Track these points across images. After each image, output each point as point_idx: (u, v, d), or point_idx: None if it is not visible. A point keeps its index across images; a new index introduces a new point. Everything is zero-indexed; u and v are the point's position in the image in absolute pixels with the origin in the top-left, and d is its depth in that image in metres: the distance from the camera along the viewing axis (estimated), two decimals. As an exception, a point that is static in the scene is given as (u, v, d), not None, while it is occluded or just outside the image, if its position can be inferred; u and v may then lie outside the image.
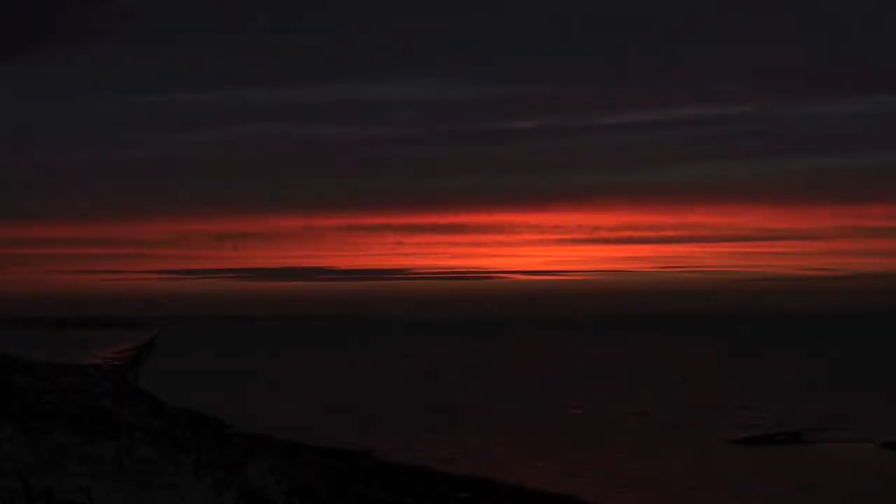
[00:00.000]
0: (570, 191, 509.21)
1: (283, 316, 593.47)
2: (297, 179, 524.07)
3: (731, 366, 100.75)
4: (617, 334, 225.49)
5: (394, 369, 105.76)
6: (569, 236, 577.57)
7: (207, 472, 29.07)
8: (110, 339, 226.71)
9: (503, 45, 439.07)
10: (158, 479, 26.85)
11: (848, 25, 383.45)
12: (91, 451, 30.63)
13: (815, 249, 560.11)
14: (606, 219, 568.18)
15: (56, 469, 26.90)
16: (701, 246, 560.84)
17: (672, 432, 48.51)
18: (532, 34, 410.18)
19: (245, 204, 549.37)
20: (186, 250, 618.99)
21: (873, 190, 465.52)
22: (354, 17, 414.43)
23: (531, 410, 60.10)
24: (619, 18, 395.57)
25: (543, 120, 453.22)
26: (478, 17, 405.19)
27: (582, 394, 70.53)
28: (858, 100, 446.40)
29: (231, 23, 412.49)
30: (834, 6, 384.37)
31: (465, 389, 76.21)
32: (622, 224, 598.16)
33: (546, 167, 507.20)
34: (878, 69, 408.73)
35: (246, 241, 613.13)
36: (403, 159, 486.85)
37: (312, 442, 46.38)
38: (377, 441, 46.54)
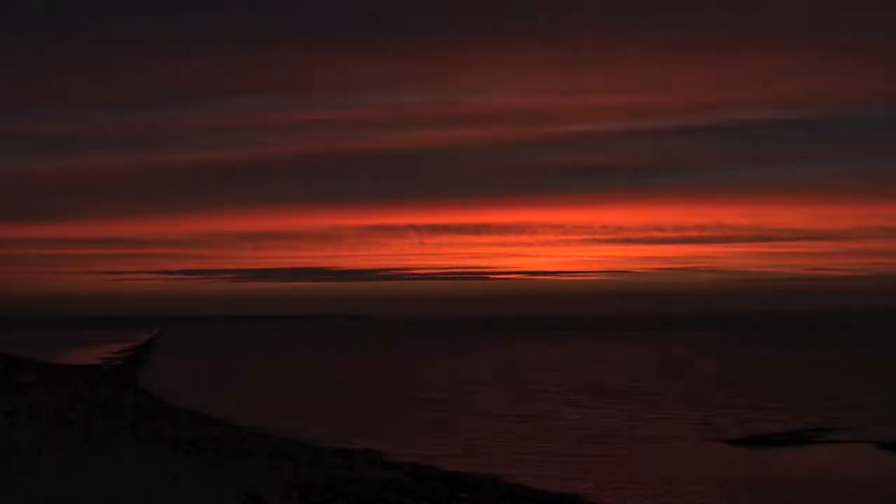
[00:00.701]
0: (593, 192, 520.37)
1: (307, 315, 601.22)
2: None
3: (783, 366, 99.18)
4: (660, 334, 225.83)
5: (414, 370, 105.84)
6: (592, 236, 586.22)
7: (207, 471, 29.08)
8: (111, 340, 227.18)
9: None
10: (158, 479, 26.88)
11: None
12: (90, 453, 30.70)
13: (842, 249, 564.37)
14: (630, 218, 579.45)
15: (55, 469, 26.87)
16: (725, 246, 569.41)
17: (673, 433, 48.52)
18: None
19: (272, 203, 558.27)
20: (210, 250, 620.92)
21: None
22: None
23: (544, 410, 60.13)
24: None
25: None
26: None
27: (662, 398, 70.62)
28: None
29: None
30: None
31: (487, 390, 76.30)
32: (646, 224, 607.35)
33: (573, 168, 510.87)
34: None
35: (271, 240, 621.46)
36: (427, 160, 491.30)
37: (312, 441, 46.40)
38: (377, 441, 46.55)
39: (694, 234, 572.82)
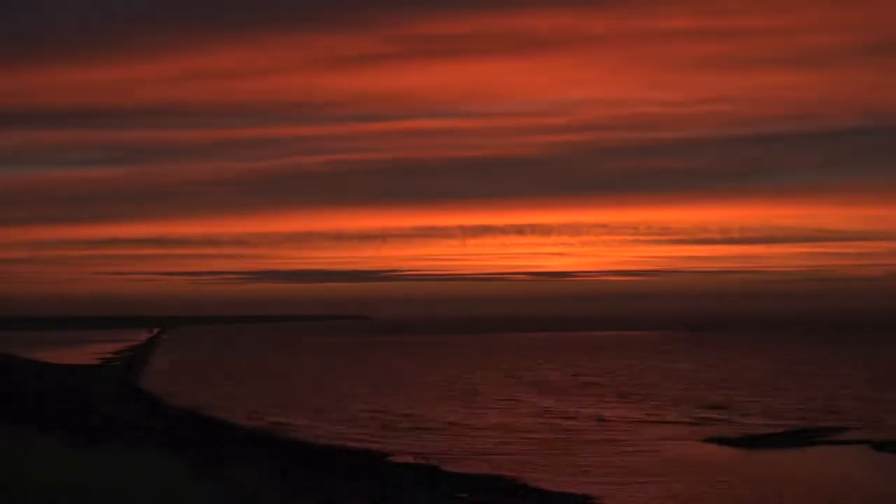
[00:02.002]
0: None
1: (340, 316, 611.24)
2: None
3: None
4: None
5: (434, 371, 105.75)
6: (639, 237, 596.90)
7: (206, 471, 29.09)
8: (111, 340, 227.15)
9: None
10: (157, 479, 26.87)
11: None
12: (89, 454, 30.62)
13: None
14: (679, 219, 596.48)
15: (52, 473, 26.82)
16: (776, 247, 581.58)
17: (671, 432, 48.58)
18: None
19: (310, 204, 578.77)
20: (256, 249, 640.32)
21: None
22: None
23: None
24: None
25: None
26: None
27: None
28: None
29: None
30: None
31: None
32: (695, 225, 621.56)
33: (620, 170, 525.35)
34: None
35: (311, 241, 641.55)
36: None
37: (313, 441, 46.45)
38: (378, 440, 46.61)
39: (744, 234, 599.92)
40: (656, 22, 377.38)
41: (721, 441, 44.86)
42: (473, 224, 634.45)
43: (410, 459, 40.21)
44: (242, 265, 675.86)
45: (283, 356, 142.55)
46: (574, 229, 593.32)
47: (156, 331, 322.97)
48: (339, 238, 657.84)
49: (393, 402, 65.63)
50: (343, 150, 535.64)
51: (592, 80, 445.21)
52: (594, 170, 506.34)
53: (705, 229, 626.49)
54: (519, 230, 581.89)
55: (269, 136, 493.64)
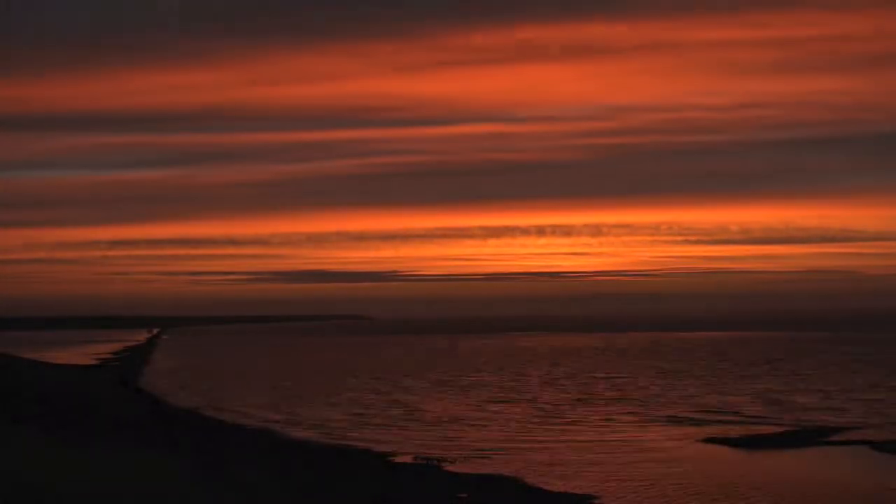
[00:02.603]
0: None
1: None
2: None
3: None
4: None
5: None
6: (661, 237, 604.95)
7: (207, 471, 29.12)
8: (112, 340, 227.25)
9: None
10: (158, 480, 26.91)
11: None
12: (89, 454, 30.67)
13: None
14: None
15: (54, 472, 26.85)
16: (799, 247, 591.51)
17: (665, 431, 48.60)
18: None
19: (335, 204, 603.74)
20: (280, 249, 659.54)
21: None
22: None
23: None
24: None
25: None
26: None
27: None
28: None
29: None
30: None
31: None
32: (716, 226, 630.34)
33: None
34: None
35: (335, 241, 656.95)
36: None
37: (313, 440, 46.47)
38: (380, 440, 46.63)
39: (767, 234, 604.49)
40: (702, 32, 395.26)
41: (720, 441, 44.86)
42: (496, 225, 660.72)
43: (411, 459, 40.23)
44: (268, 265, 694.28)
45: (284, 357, 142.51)
46: (595, 230, 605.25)
47: (155, 331, 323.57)
48: (360, 238, 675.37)
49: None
50: (385, 153, 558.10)
51: (639, 86, 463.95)
52: (627, 172, 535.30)
53: (735, 229, 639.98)
54: (540, 230, 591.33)
55: (317, 139, 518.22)
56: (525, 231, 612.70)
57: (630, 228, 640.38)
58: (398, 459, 40.19)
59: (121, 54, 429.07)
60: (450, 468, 37.66)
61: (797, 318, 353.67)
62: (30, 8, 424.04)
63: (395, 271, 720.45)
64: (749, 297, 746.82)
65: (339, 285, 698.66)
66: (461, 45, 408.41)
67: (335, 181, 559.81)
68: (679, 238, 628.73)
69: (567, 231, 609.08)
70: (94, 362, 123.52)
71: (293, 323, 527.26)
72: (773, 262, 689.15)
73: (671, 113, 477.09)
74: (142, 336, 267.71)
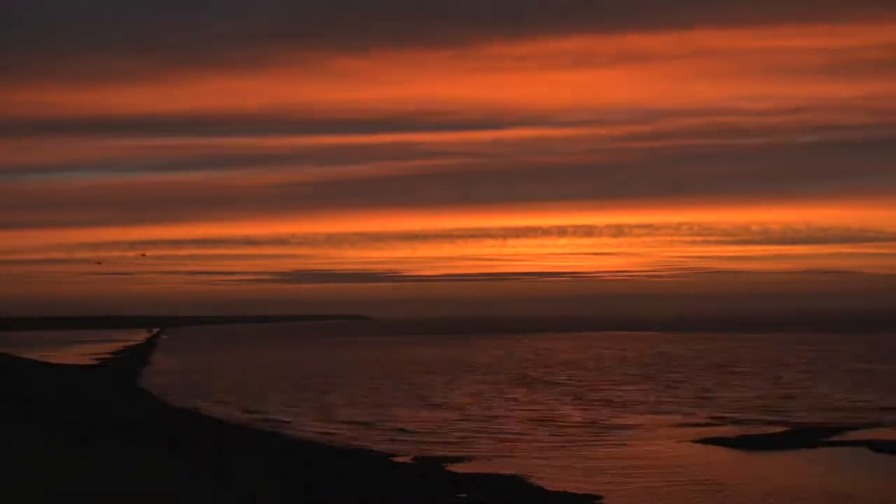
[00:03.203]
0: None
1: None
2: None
3: None
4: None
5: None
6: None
7: (207, 471, 29.12)
8: (111, 340, 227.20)
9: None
10: (158, 480, 26.92)
11: None
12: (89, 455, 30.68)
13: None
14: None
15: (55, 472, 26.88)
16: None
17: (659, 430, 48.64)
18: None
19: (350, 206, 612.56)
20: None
21: None
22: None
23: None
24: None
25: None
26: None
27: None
28: None
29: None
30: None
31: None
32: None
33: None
34: None
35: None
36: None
37: (313, 440, 46.48)
38: (381, 440, 46.66)
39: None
40: (743, 40, 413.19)
41: (720, 442, 44.86)
42: (517, 226, 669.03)
43: (411, 459, 40.26)
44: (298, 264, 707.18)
45: (286, 357, 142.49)
46: (617, 230, 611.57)
47: (155, 331, 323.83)
48: (377, 239, 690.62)
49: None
50: (424, 156, 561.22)
51: (676, 91, 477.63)
52: (650, 174, 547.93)
53: (761, 230, 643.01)
54: (561, 231, 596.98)
55: (360, 143, 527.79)
56: (546, 231, 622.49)
57: (650, 229, 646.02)
58: (398, 459, 40.22)
59: (165, 60, 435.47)
60: (450, 468, 37.69)
61: (822, 318, 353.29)
62: (71, 12, 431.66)
63: (396, 271, 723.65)
64: (770, 297, 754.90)
65: (354, 285, 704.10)
66: (505, 54, 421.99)
67: (365, 184, 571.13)
68: (698, 238, 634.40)
69: (588, 231, 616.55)
70: (92, 362, 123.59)
71: (301, 322, 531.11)
72: (792, 261, 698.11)
73: (706, 117, 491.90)
74: (141, 336, 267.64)
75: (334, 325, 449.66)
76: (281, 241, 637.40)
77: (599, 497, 32.07)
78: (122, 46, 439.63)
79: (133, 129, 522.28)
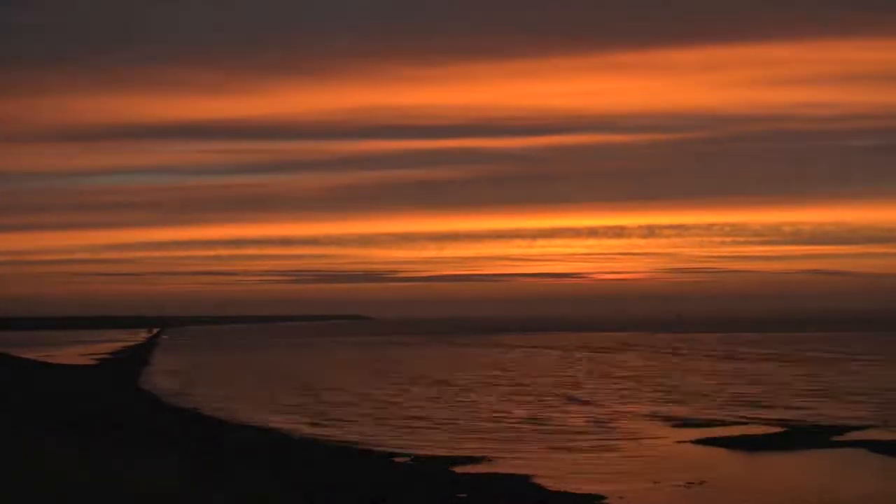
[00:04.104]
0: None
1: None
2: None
3: None
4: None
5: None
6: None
7: (207, 471, 29.11)
8: (110, 339, 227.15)
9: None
10: (157, 479, 26.88)
11: None
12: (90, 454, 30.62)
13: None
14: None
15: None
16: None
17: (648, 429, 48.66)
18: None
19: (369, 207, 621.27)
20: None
21: None
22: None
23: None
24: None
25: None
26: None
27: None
28: None
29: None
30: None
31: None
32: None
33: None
34: None
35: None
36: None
37: (314, 441, 46.49)
38: (384, 440, 46.68)
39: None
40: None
41: (720, 442, 44.87)
42: (548, 227, 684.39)
43: (411, 459, 40.26)
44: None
45: (288, 357, 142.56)
46: (648, 231, 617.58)
47: (155, 331, 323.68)
48: (409, 239, 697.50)
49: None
50: (482, 161, 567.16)
51: (726, 97, 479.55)
52: (683, 174, 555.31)
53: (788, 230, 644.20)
54: (592, 232, 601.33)
55: (411, 147, 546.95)
56: (577, 232, 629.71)
57: (681, 229, 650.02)
58: (399, 459, 40.23)
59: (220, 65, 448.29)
60: (450, 468, 37.69)
61: (858, 318, 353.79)
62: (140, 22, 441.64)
63: (396, 271, 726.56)
64: (801, 297, 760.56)
65: (385, 285, 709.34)
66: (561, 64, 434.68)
67: (408, 187, 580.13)
68: (728, 239, 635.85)
69: (618, 232, 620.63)
70: (92, 362, 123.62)
71: (300, 322, 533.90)
72: (826, 261, 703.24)
73: (765, 123, 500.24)
74: (141, 336, 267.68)
75: (339, 326, 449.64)
76: (314, 241, 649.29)
77: (600, 497, 32.07)
78: (188, 56, 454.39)
79: (189, 134, 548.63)
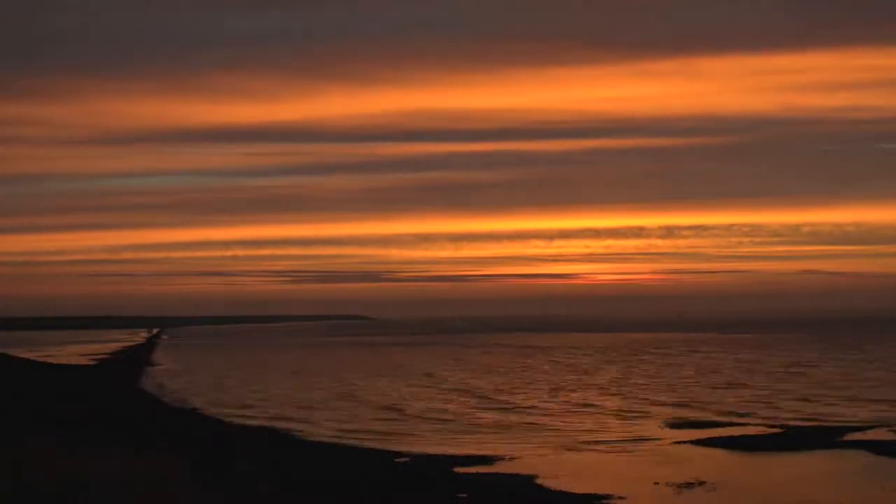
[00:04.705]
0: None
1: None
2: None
3: None
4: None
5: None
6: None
7: (207, 471, 29.10)
8: (110, 340, 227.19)
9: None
10: (157, 479, 26.86)
11: None
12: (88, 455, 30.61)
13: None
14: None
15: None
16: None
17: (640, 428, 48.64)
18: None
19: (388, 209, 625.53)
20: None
21: None
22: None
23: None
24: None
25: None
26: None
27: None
28: None
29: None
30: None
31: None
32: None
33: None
34: None
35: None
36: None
37: (314, 440, 46.48)
38: (380, 441, 46.68)
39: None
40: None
41: (720, 442, 44.85)
42: (565, 228, 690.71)
43: (411, 459, 40.25)
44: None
45: (289, 357, 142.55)
46: (667, 231, 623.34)
47: (155, 331, 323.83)
48: (426, 240, 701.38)
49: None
50: (513, 164, 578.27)
51: (779, 100, 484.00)
52: (704, 175, 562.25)
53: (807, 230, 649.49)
54: (612, 233, 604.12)
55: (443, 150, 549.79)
56: (597, 233, 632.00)
57: (700, 229, 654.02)
58: (399, 459, 40.21)
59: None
60: (451, 468, 37.67)
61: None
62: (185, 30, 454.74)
63: (394, 272, 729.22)
64: (821, 297, 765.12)
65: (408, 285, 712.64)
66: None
67: (424, 189, 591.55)
68: (745, 240, 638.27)
69: (637, 233, 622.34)
70: (92, 362, 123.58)
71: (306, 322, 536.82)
72: (845, 262, 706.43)
73: (803, 126, 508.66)
74: (141, 336, 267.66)
75: (340, 325, 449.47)
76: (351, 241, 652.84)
77: (600, 497, 32.06)
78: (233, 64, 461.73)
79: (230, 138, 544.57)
